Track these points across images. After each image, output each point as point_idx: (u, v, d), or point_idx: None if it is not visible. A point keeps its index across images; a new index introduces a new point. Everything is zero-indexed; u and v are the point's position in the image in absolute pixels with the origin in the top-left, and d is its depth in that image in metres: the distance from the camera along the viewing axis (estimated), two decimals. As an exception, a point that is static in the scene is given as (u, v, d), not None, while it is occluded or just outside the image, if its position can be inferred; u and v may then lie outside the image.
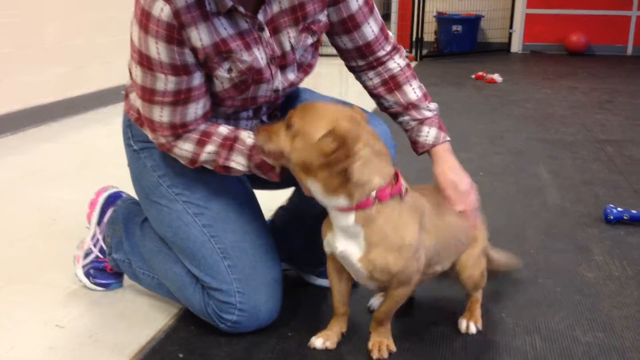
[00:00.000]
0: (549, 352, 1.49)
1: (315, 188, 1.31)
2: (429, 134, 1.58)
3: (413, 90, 1.62)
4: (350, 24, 1.56)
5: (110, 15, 4.48)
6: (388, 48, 1.63)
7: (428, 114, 1.60)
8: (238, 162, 1.46)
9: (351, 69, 1.69)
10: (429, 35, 7.94)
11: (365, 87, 1.68)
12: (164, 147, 1.49)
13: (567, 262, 1.99)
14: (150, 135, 1.51)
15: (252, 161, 1.45)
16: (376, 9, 1.61)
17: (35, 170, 2.99)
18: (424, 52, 7.66)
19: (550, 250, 2.08)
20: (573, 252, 2.07)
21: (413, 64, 7.26)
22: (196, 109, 1.45)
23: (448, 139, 1.60)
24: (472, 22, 8.13)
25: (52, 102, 4.00)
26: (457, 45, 8.00)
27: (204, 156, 1.47)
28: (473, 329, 1.56)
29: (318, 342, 1.49)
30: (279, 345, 1.50)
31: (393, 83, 1.62)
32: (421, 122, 1.60)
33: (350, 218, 1.31)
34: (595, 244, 2.13)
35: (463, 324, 1.57)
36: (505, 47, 8.41)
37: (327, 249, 1.42)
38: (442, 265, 1.50)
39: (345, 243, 1.35)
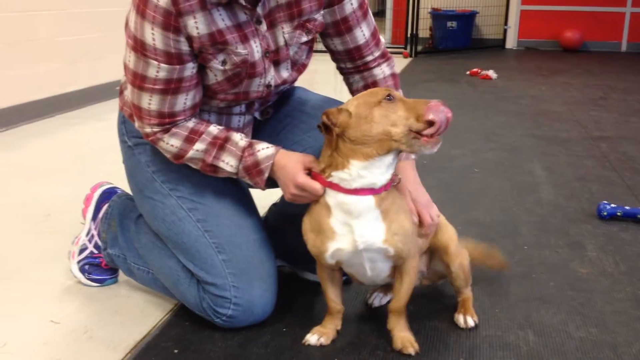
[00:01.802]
0: (542, 347, 1.50)
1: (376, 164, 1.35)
2: None
3: None
4: (342, 27, 1.57)
5: (101, 11, 4.46)
6: (377, 54, 1.64)
7: None
8: (227, 163, 1.46)
9: (340, 70, 1.70)
10: (424, 32, 7.95)
11: (350, 90, 1.69)
12: (149, 138, 1.49)
13: (560, 258, 2.00)
14: (136, 124, 1.51)
15: (243, 163, 1.45)
16: (370, 14, 1.61)
17: (27, 167, 2.98)
18: (419, 48, 7.67)
19: (544, 246, 2.09)
20: (566, 248, 2.07)
21: (408, 60, 7.27)
22: (185, 100, 1.45)
23: (412, 157, 1.57)
24: (467, 18, 8.14)
25: (44, 98, 3.99)
26: (452, 42, 8.01)
27: (191, 153, 1.47)
28: (471, 323, 1.57)
29: (313, 338, 1.49)
30: (273, 341, 1.51)
31: None
32: None
33: (371, 200, 1.35)
34: (588, 240, 2.14)
35: (460, 318, 1.58)
36: (500, 44, 8.43)
37: (331, 261, 1.42)
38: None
39: (364, 233, 1.36)
